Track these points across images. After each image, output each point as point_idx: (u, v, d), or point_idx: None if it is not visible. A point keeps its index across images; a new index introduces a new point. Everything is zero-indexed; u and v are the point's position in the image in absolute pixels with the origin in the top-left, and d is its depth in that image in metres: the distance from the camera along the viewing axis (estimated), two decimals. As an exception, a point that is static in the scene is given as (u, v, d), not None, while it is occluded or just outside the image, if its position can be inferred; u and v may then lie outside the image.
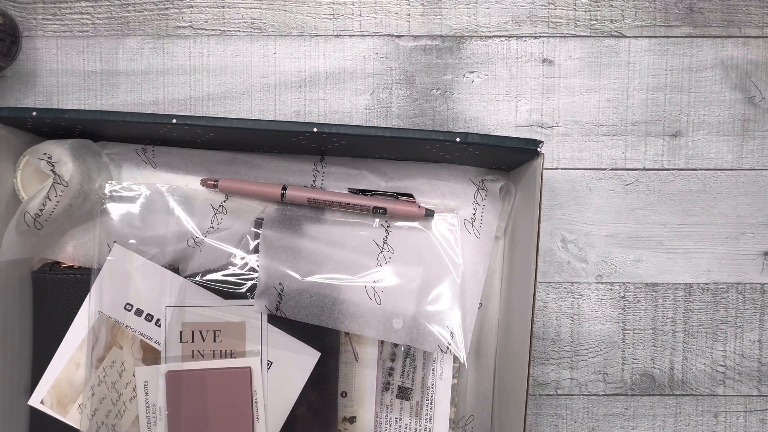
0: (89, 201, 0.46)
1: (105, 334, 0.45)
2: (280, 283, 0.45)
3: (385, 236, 0.48)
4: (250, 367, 0.45)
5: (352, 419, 0.49)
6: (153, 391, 0.45)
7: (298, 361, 0.46)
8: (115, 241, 0.46)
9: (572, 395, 0.52)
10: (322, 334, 0.46)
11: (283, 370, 0.46)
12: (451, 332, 0.47)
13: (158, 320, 0.45)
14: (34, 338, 0.47)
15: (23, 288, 0.47)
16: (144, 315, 0.45)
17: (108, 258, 0.45)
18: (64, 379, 0.45)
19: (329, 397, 0.47)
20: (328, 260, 0.47)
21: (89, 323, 0.45)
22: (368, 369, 0.49)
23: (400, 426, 0.49)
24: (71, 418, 0.45)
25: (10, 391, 0.46)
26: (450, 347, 0.46)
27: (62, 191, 0.43)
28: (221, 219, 0.47)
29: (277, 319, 0.46)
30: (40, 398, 0.44)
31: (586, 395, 0.52)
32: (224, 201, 0.48)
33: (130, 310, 0.45)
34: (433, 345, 0.46)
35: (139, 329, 0.45)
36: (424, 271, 0.47)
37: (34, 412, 0.45)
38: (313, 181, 0.48)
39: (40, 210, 0.43)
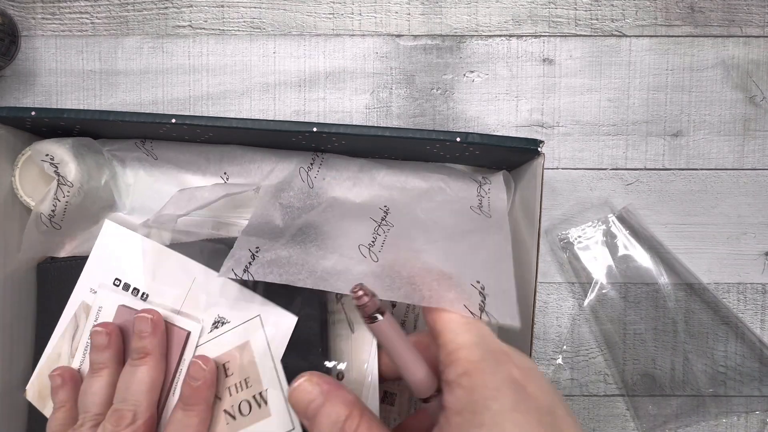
0: (95, 199, 0.46)
1: (85, 322, 0.44)
2: (257, 247, 0.39)
3: (384, 215, 0.44)
4: (189, 332, 0.41)
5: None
6: (102, 319, 0.42)
7: (275, 327, 0.40)
8: (120, 228, 0.45)
9: (573, 396, 0.52)
10: (300, 296, 0.39)
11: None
12: (482, 292, 0.36)
13: (144, 294, 0.43)
14: (36, 330, 0.47)
15: (29, 283, 0.47)
16: (131, 289, 0.43)
17: (99, 236, 0.44)
18: (46, 370, 0.43)
19: (318, 367, 0.39)
20: (318, 233, 0.41)
21: (73, 311, 0.44)
22: (366, 339, 0.41)
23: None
24: (49, 411, 0.42)
25: (10, 388, 0.46)
26: (485, 311, 0.34)
27: (68, 191, 0.44)
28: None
29: (250, 283, 0.40)
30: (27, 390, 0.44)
31: (586, 396, 0.52)
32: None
33: (118, 285, 0.44)
34: (455, 304, 0.33)
35: (124, 303, 0.43)
36: (433, 239, 0.41)
37: (32, 406, 0.45)
38: (311, 164, 0.47)
39: (52, 211, 0.44)
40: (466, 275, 0.37)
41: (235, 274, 0.38)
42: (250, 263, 0.38)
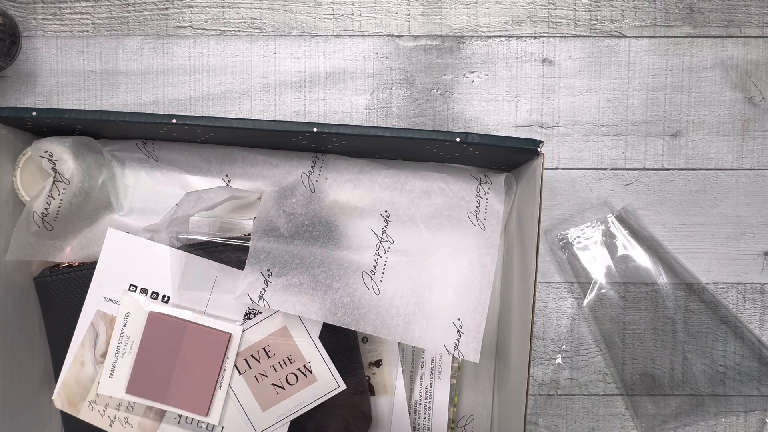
0: (90, 199, 0.46)
1: (104, 329, 0.45)
2: (268, 270, 0.43)
3: (385, 226, 0.47)
4: (230, 334, 0.44)
5: (378, 363, 0.48)
6: (131, 325, 0.44)
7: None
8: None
9: (572, 395, 0.52)
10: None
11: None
12: (459, 330, 0.43)
13: (165, 297, 0.45)
14: (50, 342, 0.47)
15: (27, 294, 0.47)
16: (150, 293, 0.45)
17: (104, 245, 0.45)
18: (71, 378, 0.45)
19: (349, 344, 0.46)
20: (323, 249, 0.45)
21: (89, 319, 0.45)
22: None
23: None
24: (84, 415, 0.45)
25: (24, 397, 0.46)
26: (458, 348, 0.43)
27: (64, 189, 0.43)
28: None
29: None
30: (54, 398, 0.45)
31: (586, 395, 0.52)
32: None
33: (134, 291, 0.45)
34: (437, 344, 0.43)
35: (152, 309, 0.45)
36: (429, 261, 0.45)
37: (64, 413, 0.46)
38: (312, 167, 0.48)
39: (46, 209, 0.43)
40: (453, 312, 0.44)
41: (252, 299, 0.42)
42: (264, 289, 0.43)
